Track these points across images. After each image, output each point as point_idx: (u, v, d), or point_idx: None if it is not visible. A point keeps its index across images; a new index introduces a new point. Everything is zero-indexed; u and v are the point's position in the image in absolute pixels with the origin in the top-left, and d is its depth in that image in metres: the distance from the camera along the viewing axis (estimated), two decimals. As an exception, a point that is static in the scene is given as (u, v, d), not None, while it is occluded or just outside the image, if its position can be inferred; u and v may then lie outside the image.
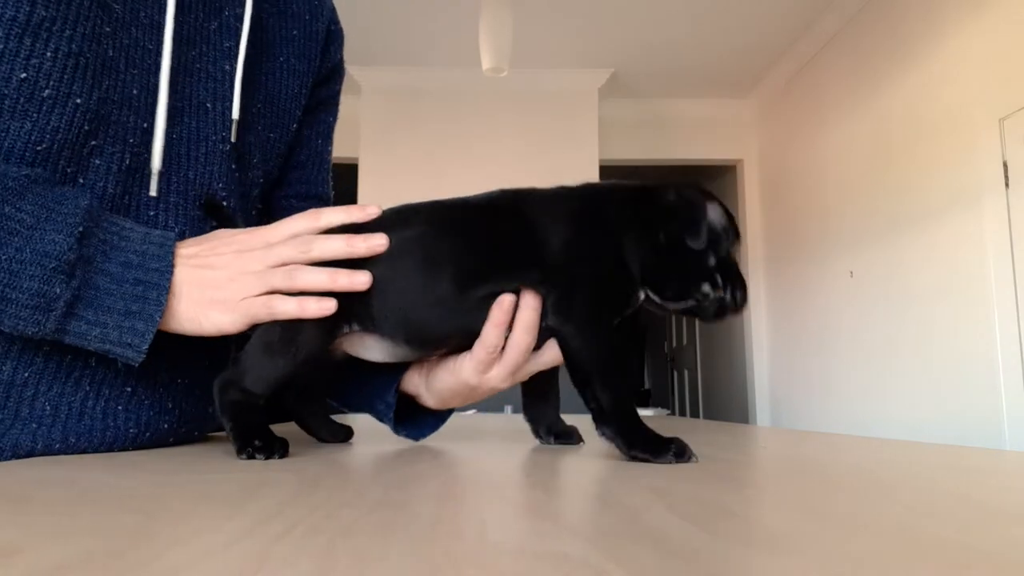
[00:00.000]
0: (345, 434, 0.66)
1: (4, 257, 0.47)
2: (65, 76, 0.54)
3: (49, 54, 0.53)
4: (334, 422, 0.67)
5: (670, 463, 0.47)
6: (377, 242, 0.54)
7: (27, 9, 0.52)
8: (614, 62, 4.20)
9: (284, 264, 0.54)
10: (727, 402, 5.01)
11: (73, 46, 0.54)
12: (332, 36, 0.82)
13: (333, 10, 0.84)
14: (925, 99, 3.01)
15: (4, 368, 0.53)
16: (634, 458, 0.48)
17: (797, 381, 4.16)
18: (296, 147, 0.80)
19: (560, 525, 0.25)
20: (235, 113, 0.67)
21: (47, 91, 0.54)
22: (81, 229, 0.49)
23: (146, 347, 0.50)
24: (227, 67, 0.66)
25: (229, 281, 0.53)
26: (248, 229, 0.57)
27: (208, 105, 0.64)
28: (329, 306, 0.52)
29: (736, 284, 0.58)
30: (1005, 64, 2.57)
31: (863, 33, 3.51)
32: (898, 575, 0.19)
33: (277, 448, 0.49)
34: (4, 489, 0.34)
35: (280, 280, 0.53)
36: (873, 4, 3.41)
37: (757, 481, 0.41)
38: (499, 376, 0.58)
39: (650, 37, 3.93)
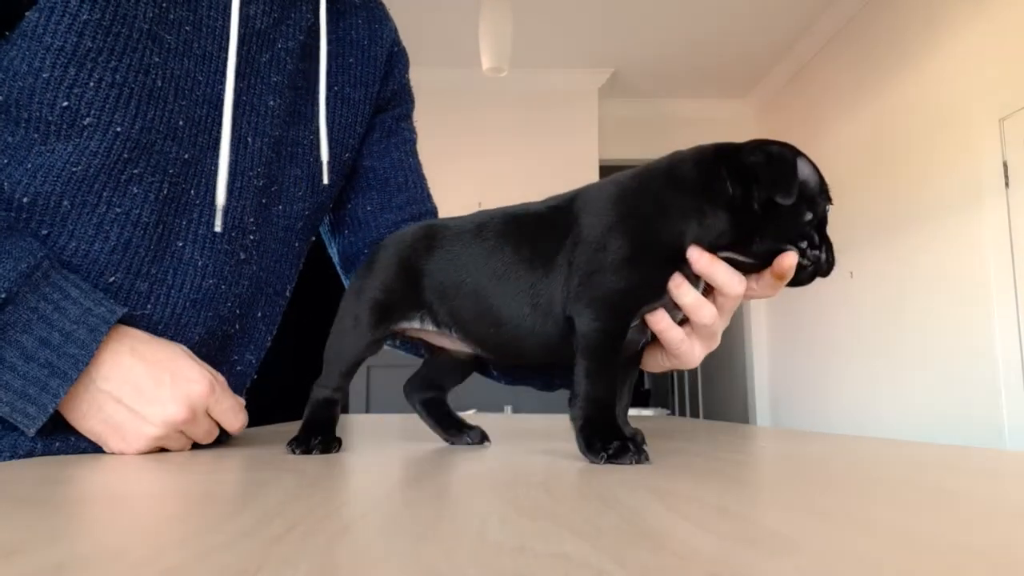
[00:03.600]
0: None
1: None
2: (107, 105, 0.54)
3: (92, 83, 0.53)
4: None
5: (598, 463, 0.45)
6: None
7: (74, 40, 0.52)
8: (614, 62, 4.20)
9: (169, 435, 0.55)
10: (727, 402, 5.01)
11: (117, 76, 0.54)
12: (394, 59, 0.81)
13: (395, 31, 0.82)
14: (925, 99, 3.01)
15: None
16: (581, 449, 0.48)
17: (797, 381, 4.15)
18: (392, 170, 0.81)
19: (560, 525, 0.25)
20: (324, 155, 0.68)
21: (88, 119, 0.54)
22: (4, 295, 0.48)
23: (34, 431, 0.50)
24: (271, 102, 0.65)
25: (122, 437, 0.53)
26: (212, 391, 0.56)
27: (248, 139, 0.64)
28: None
29: (828, 246, 0.55)
30: (1005, 64, 2.57)
31: (863, 33, 3.51)
32: (897, 575, 0.19)
33: (316, 445, 0.53)
34: (4, 489, 0.34)
35: (179, 447, 0.56)
36: (873, 4, 3.41)
37: (757, 481, 0.41)
38: (702, 348, 0.57)
39: (650, 37, 3.94)
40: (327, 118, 0.72)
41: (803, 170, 0.53)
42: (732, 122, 4.74)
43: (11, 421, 0.50)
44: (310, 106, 0.70)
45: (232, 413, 0.58)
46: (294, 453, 0.52)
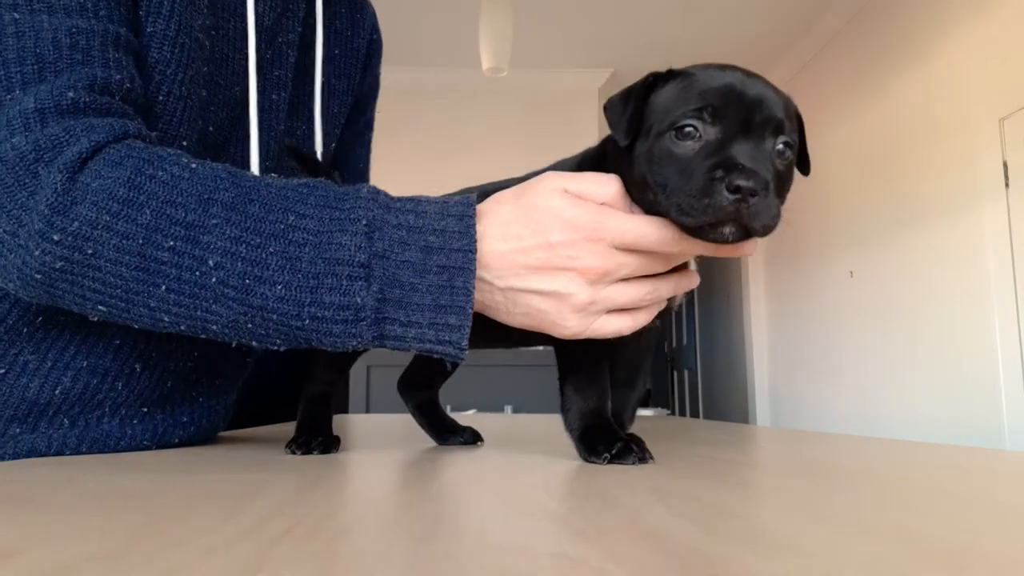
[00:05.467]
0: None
1: (302, 273, 0.43)
2: (174, 119, 0.54)
3: (161, 97, 0.53)
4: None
5: (600, 463, 0.45)
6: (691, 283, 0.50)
7: (143, 53, 0.52)
8: (614, 62, 4.20)
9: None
10: (727, 402, 5.01)
11: (183, 88, 0.54)
12: (373, 48, 0.80)
13: (374, 16, 0.81)
14: (925, 99, 3.01)
15: (30, 387, 0.53)
16: (583, 457, 0.47)
17: (797, 381, 4.15)
18: (343, 167, 0.80)
19: (560, 525, 0.25)
20: (319, 145, 0.67)
21: (155, 133, 0.53)
22: (365, 222, 0.44)
23: (465, 342, 0.44)
24: (275, 96, 0.65)
25: (575, 306, 0.45)
26: (577, 228, 0.45)
27: (255, 135, 0.64)
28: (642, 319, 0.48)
29: (723, 170, 0.40)
30: (1005, 64, 2.57)
31: (863, 33, 3.51)
32: (897, 575, 0.19)
33: (316, 446, 0.53)
34: (4, 489, 0.34)
35: (639, 300, 0.47)
36: (873, 4, 3.41)
37: (757, 481, 0.41)
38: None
39: (650, 37, 3.93)
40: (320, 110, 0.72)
41: (656, 97, 0.46)
42: (732, 122, 4.73)
43: (439, 354, 0.45)
44: (305, 98, 0.70)
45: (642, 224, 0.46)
46: (294, 454, 0.52)
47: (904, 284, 3.12)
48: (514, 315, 0.47)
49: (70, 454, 0.54)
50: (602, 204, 0.47)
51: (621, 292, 0.46)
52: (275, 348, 0.46)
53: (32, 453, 0.53)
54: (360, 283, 0.43)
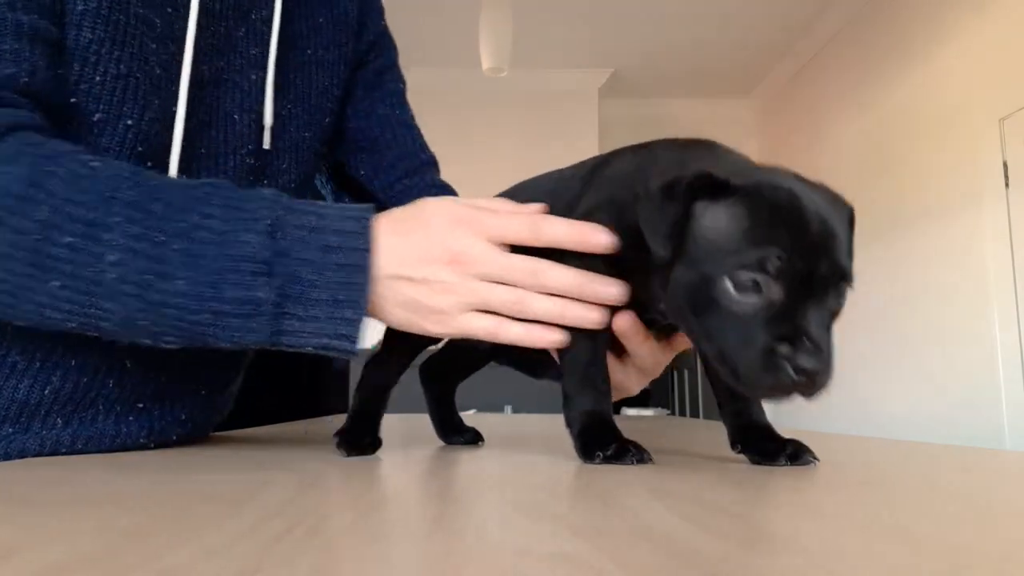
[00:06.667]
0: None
1: (204, 269, 0.45)
2: (115, 98, 0.53)
3: (98, 77, 0.52)
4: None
5: (593, 463, 0.45)
6: (613, 292, 0.47)
7: (74, 33, 0.51)
8: (614, 62, 4.20)
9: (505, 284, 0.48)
10: (727, 402, 5.01)
11: (122, 67, 0.53)
12: (365, 9, 0.77)
13: None
14: (925, 99, 3.01)
15: (20, 387, 0.53)
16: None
17: (797, 381, 4.15)
18: (379, 128, 0.77)
19: (560, 525, 0.25)
20: (268, 119, 0.65)
21: (98, 115, 0.53)
22: (268, 222, 0.46)
23: (359, 336, 0.47)
24: (253, 76, 0.63)
25: (442, 292, 0.48)
26: (458, 220, 0.49)
27: (235, 116, 0.62)
28: (557, 338, 0.48)
29: (790, 344, 0.36)
30: (1005, 64, 2.57)
31: (863, 33, 3.51)
32: (898, 575, 0.19)
33: (365, 447, 0.52)
34: (4, 489, 0.34)
35: (502, 303, 0.48)
36: (873, 4, 3.41)
37: (757, 481, 0.41)
38: (638, 382, 0.56)
39: (650, 37, 3.93)
40: (305, 83, 0.69)
41: (705, 216, 0.40)
42: (732, 122, 4.73)
43: (333, 349, 0.47)
44: (289, 74, 0.67)
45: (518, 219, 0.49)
46: (338, 449, 0.51)
47: (904, 284, 3.12)
48: (392, 310, 0.49)
49: (64, 453, 0.54)
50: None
51: (490, 290, 0.48)
52: (166, 346, 0.47)
53: (24, 454, 0.53)
54: (262, 279, 0.45)
